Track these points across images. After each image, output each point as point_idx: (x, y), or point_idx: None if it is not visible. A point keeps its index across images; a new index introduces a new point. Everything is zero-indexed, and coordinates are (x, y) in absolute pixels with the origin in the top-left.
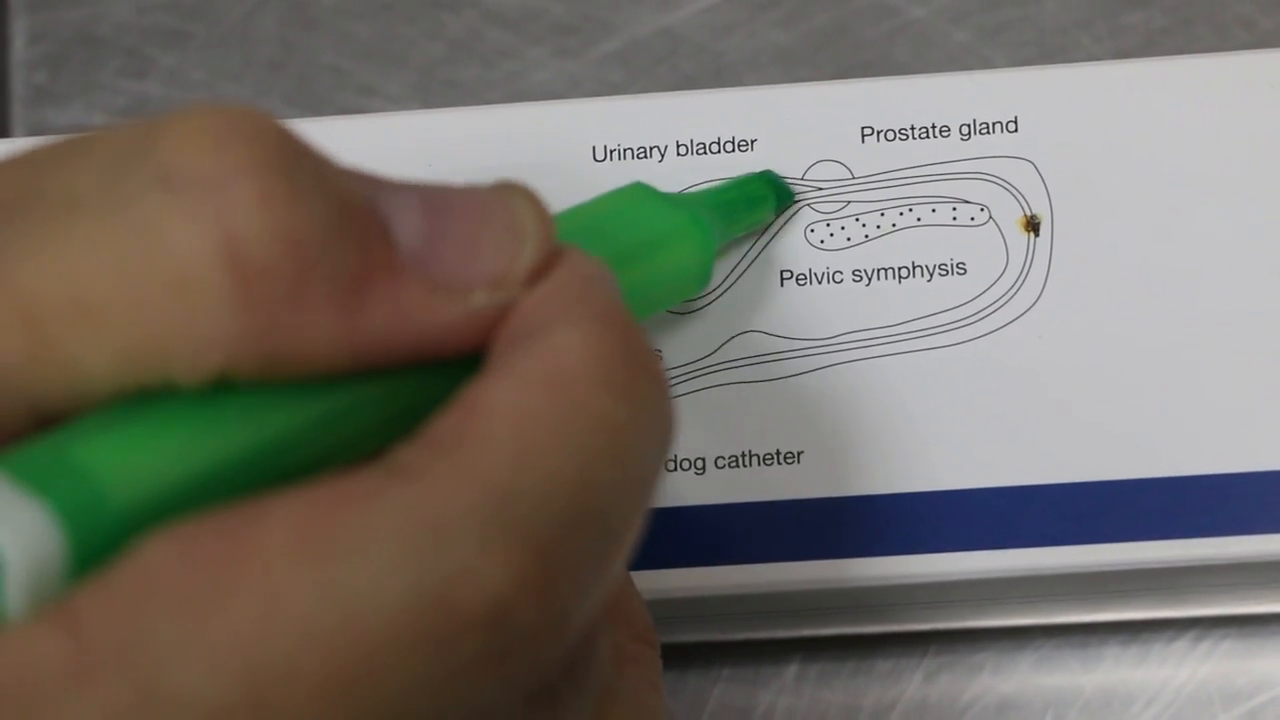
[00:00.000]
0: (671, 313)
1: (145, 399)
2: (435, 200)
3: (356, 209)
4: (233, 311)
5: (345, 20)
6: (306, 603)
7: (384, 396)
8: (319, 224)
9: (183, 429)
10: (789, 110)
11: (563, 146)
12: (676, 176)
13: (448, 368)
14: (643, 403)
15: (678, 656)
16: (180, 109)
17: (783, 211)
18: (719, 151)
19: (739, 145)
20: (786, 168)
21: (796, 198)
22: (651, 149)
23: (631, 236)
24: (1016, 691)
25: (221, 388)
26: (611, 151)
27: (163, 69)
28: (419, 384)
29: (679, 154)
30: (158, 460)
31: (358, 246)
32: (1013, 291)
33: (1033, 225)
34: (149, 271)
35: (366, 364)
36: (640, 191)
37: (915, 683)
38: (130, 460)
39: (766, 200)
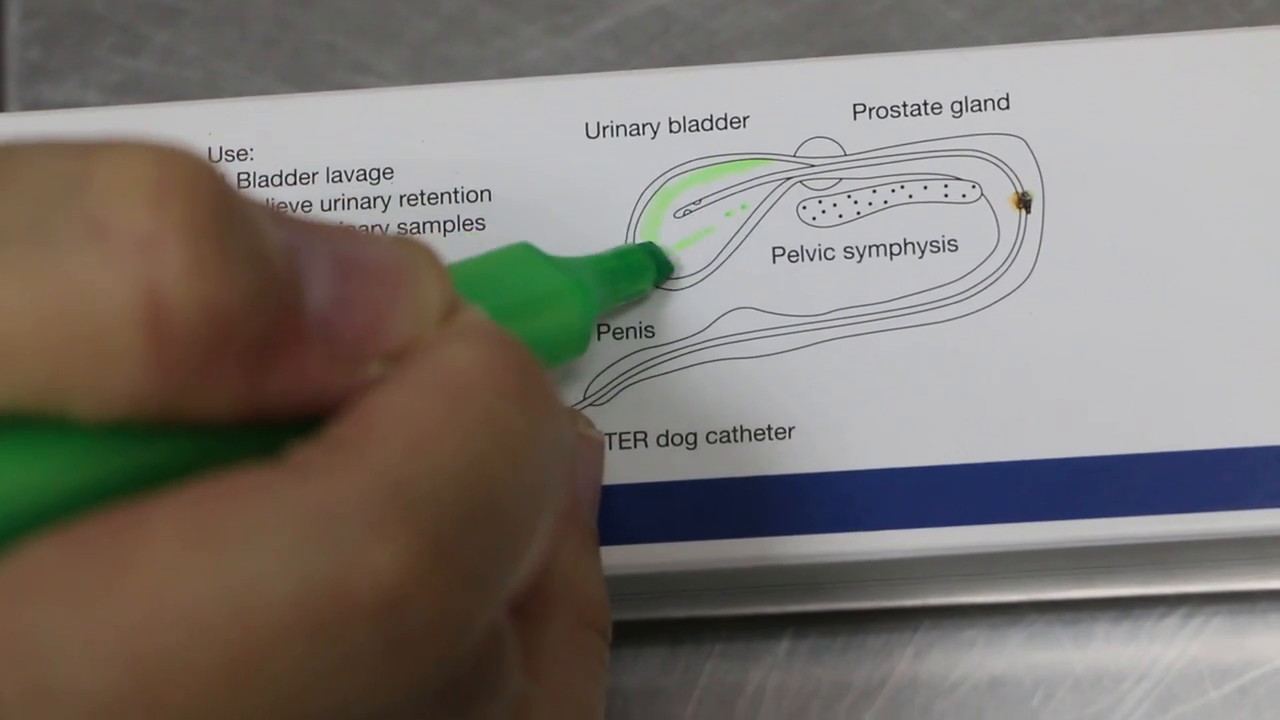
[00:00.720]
0: (663, 289)
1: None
2: (346, 262)
3: (278, 276)
4: (143, 371)
5: None
6: (195, 594)
7: (279, 430)
8: (243, 294)
9: (74, 444)
10: (781, 87)
11: (556, 123)
12: (670, 153)
13: None
14: (537, 413)
15: (669, 633)
16: (116, 144)
17: (661, 283)
18: (711, 129)
19: (731, 122)
20: (779, 144)
21: (771, 175)
22: (644, 126)
23: (515, 295)
24: (1007, 668)
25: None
26: (604, 128)
27: (157, 46)
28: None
29: (671, 130)
30: (46, 471)
31: (273, 316)
32: (1004, 269)
33: (1024, 203)
34: (67, 319)
35: (259, 419)
36: (526, 252)
37: (906, 659)
38: (16, 469)
39: (647, 271)
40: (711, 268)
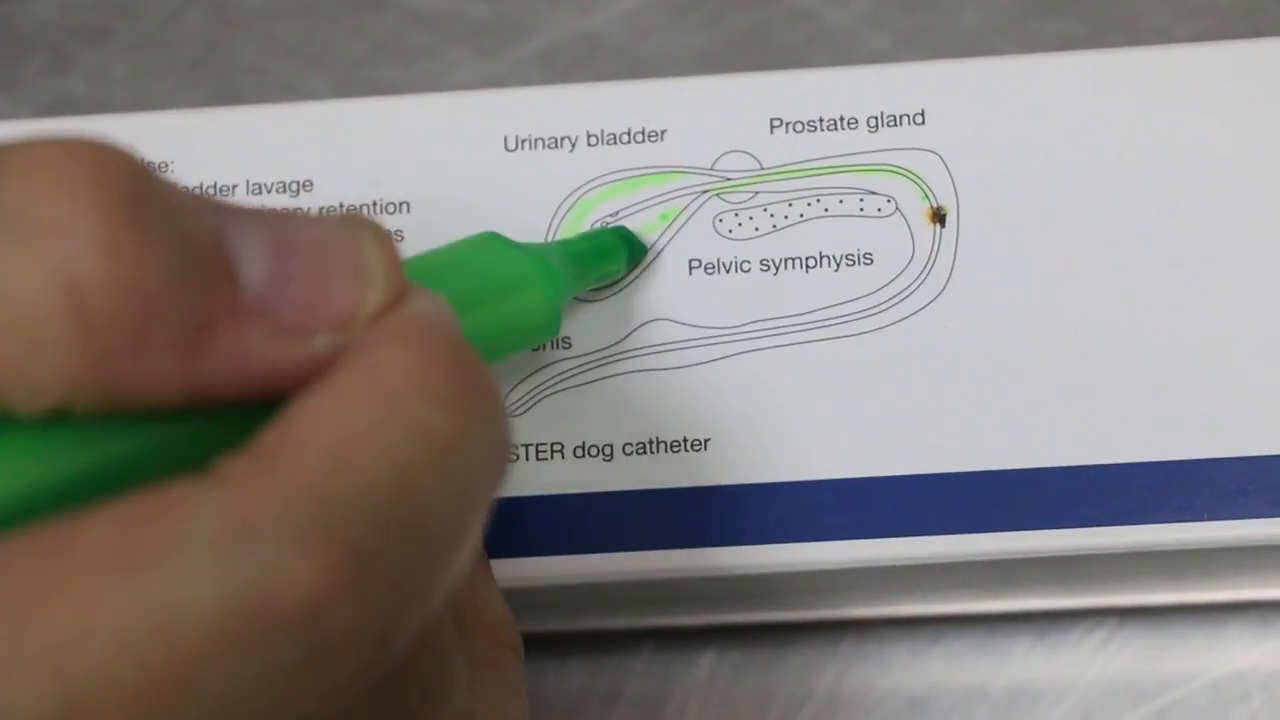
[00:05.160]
0: (580, 300)
1: None
2: (283, 237)
3: (202, 252)
4: (72, 355)
5: (268, 20)
6: (120, 610)
7: (227, 422)
8: (163, 272)
9: (14, 449)
10: (699, 101)
11: (475, 136)
12: (588, 166)
13: None
14: (470, 415)
15: (591, 648)
16: (27, 140)
17: (634, 266)
18: (629, 142)
19: (649, 136)
20: (696, 158)
21: (688, 188)
22: (563, 139)
23: (480, 280)
24: (927, 689)
25: (58, 417)
26: (523, 141)
27: (86, 66)
28: (264, 408)
29: (589, 144)
30: None
31: (202, 292)
32: (919, 282)
33: (939, 217)
34: None
35: (207, 402)
36: (492, 239)
37: (827, 679)
38: None
39: (619, 253)
40: (628, 280)
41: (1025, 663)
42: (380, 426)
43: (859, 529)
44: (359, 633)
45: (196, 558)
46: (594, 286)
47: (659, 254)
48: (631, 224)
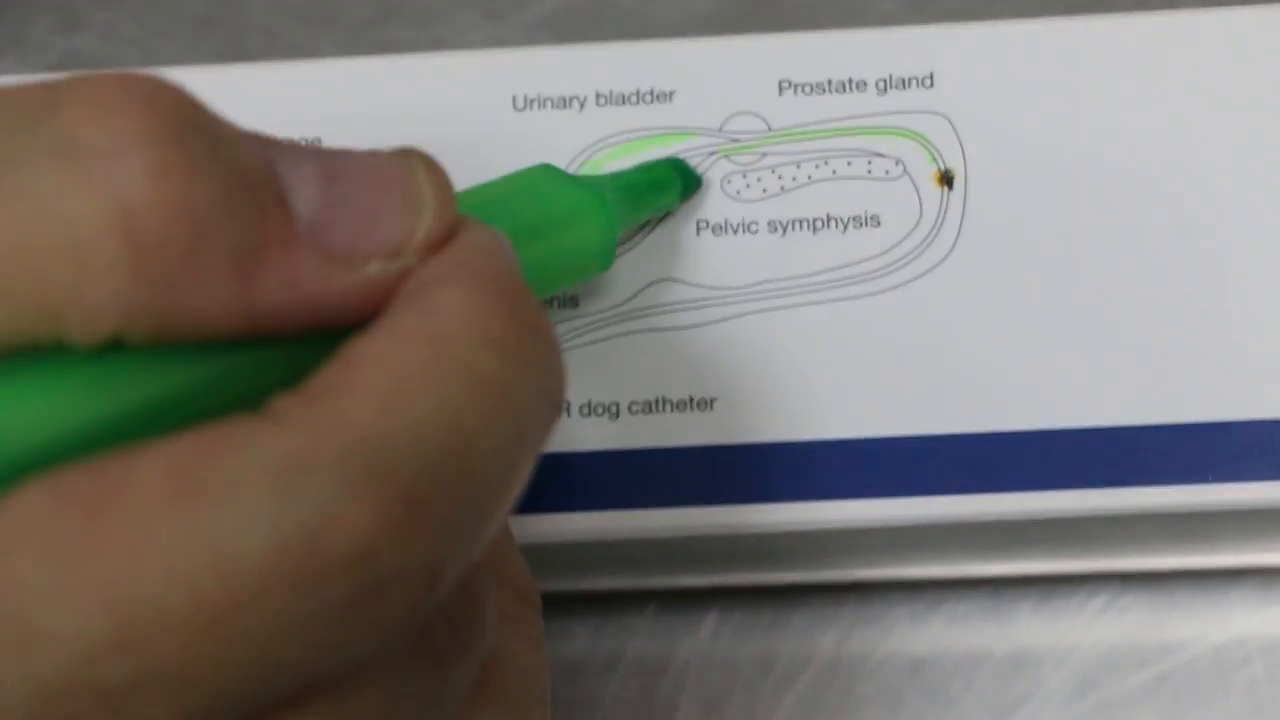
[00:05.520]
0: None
1: (38, 354)
2: (333, 168)
3: (253, 179)
4: (126, 280)
5: None
6: (175, 543)
7: (281, 359)
8: (213, 195)
9: (75, 383)
10: (707, 63)
11: (483, 96)
12: (596, 127)
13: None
14: (525, 362)
15: (594, 610)
16: (82, 75)
17: (689, 198)
18: (638, 103)
19: (658, 97)
20: (704, 119)
21: (696, 149)
22: (571, 99)
23: (534, 213)
24: (928, 652)
25: (115, 347)
26: (531, 101)
27: (95, 25)
28: (317, 346)
29: (598, 104)
30: (48, 411)
31: (253, 217)
32: (926, 244)
33: (946, 179)
34: (43, 237)
35: (263, 331)
36: (546, 171)
37: (829, 641)
38: (20, 410)
39: (673, 185)
40: (636, 240)
41: (1028, 627)
42: (436, 371)
43: (864, 489)
44: (408, 575)
45: (251, 496)
46: (649, 218)
47: (669, 215)
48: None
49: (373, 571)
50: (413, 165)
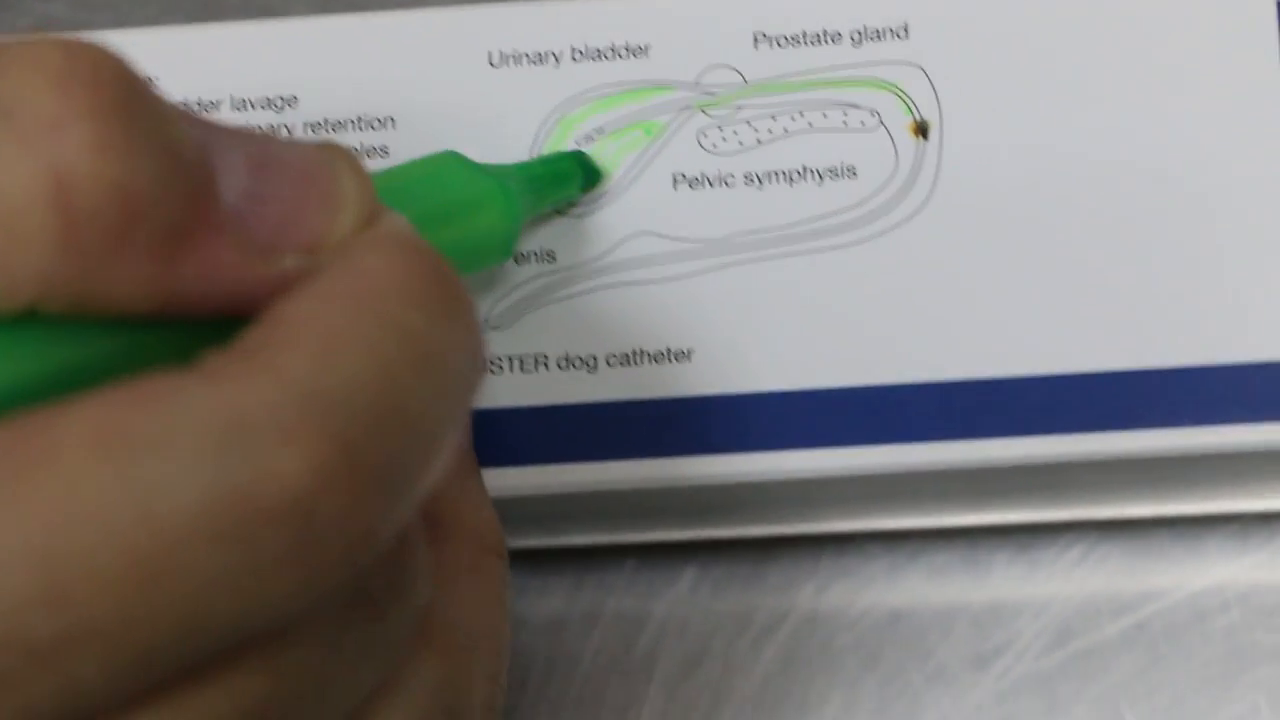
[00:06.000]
0: (564, 215)
1: None
2: (262, 159)
3: (187, 161)
4: (52, 251)
5: None
6: (104, 496)
7: (193, 333)
8: (150, 175)
9: None
10: (682, 16)
11: (458, 52)
12: (572, 82)
13: None
14: (449, 319)
15: (572, 567)
16: (24, 39)
17: (589, 190)
18: (613, 57)
19: (633, 51)
20: (680, 73)
21: (672, 103)
22: (547, 54)
23: (438, 199)
24: (906, 604)
25: (28, 316)
26: (507, 57)
27: None
28: (231, 323)
29: (574, 59)
30: None
31: (184, 202)
32: (902, 195)
33: (922, 130)
34: None
35: (173, 312)
36: (451, 159)
37: (807, 594)
38: None
39: (575, 178)
40: (613, 194)
41: (1005, 577)
42: (365, 327)
43: (841, 437)
44: (344, 526)
45: (184, 448)
46: (549, 209)
47: (645, 169)
48: (615, 140)
49: (309, 524)
50: (337, 164)
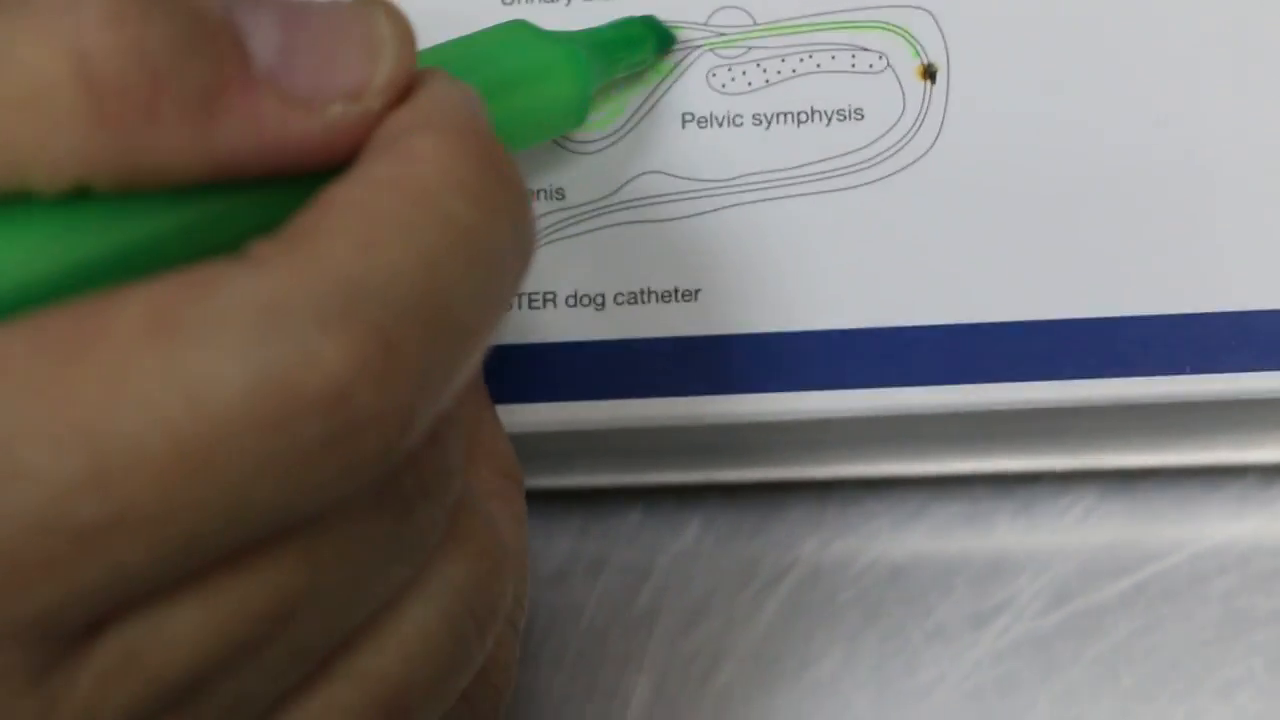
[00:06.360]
0: (573, 152)
1: (5, 203)
2: (292, 14)
3: (210, 24)
4: (87, 126)
5: None
6: (151, 383)
7: (254, 207)
8: (171, 39)
9: (45, 230)
10: None
11: None
12: (582, 20)
13: (319, 179)
14: (497, 209)
15: (578, 515)
16: None
17: (663, 54)
18: None
19: None
20: (690, 13)
21: (682, 42)
22: None
23: (506, 68)
24: (909, 559)
25: (81, 196)
26: None
27: None
28: (289, 195)
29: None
30: (21, 257)
31: (211, 61)
32: (908, 138)
33: (929, 73)
34: (3, 88)
35: (226, 176)
36: (518, 27)
37: (811, 547)
38: None
39: (646, 42)
40: (622, 132)
41: (1007, 535)
42: (411, 217)
43: (847, 379)
44: (381, 417)
45: (228, 336)
46: (622, 75)
47: (654, 108)
48: (625, 81)
49: (347, 412)
50: (371, 9)
